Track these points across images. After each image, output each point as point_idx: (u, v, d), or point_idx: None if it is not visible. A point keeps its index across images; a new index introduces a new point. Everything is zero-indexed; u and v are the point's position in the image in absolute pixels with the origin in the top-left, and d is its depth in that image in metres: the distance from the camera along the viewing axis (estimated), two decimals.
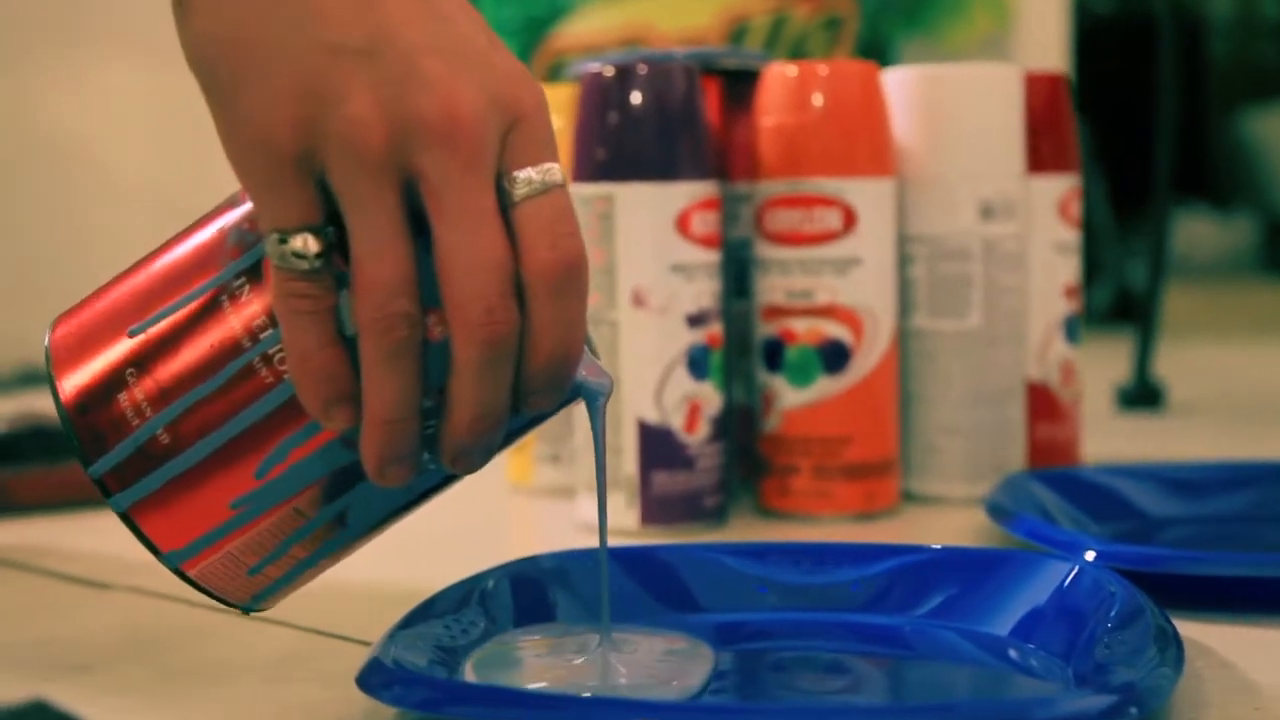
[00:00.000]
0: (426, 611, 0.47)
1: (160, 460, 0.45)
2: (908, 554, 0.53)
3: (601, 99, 0.69)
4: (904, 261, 0.74)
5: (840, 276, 0.71)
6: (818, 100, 0.71)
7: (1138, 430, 1.00)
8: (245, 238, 0.45)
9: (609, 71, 0.69)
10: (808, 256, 0.71)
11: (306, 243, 0.42)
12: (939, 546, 0.53)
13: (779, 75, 0.72)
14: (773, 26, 1.60)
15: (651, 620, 0.51)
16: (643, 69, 0.69)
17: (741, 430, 0.76)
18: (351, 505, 0.46)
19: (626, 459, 0.69)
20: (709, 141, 0.70)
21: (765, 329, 0.72)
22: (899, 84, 0.74)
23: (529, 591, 0.52)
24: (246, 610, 0.48)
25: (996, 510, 0.63)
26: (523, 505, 0.78)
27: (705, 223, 0.69)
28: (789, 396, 0.72)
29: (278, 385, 0.44)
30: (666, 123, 0.69)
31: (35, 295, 1.65)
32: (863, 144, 0.71)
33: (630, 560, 0.54)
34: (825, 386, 0.71)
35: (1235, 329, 1.87)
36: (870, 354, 0.71)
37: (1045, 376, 0.79)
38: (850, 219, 0.70)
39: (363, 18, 0.42)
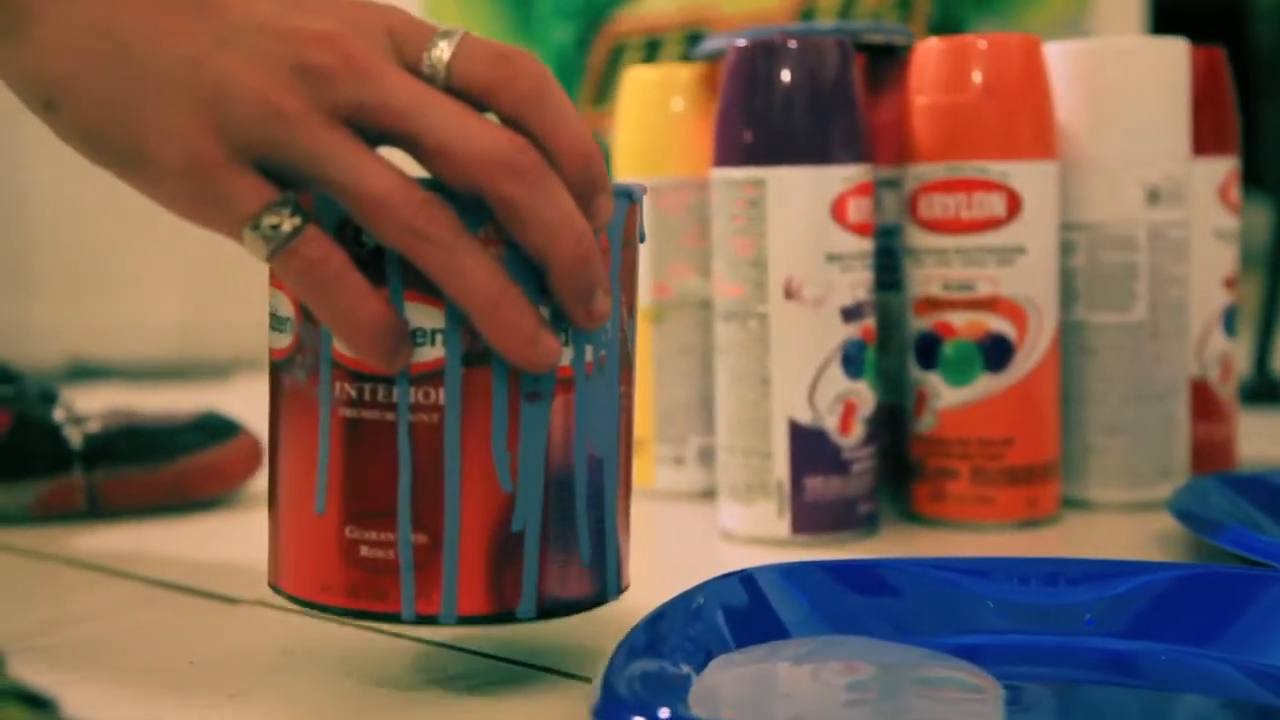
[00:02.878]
0: (648, 635, 0.43)
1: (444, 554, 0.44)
2: (1149, 572, 0.48)
3: (748, 77, 0.64)
4: (1063, 250, 0.69)
5: (1004, 266, 0.66)
6: (977, 77, 0.66)
7: (1257, 427, 0.95)
8: (299, 363, 0.45)
9: (756, 48, 0.64)
10: (968, 245, 0.66)
11: (279, 215, 0.42)
12: (1183, 564, 0.49)
13: (934, 51, 0.67)
14: (842, 7, 1.54)
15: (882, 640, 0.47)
16: (793, 44, 0.64)
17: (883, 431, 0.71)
18: (583, 432, 0.45)
19: (777, 462, 0.64)
20: (863, 121, 0.65)
21: (919, 323, 0.68)
22: (1056, 59, 0.69)
23: (747, 610, 0.47)
24: (617, 595, 0.47)
25: (1190, 518, 0.59)
26: (650, 510, 0.73)
27: (860, 209, 0.65)
28: (946, 395, 0.67)
29: (446, 416, 0.43)
30: (820, 101, 0.64)
31: (77, 286, 1.60)
32: (1027, 124, 0.66)
33: (848, 576, 0.49)
34: (986, 384, 0.66)
35: None
36: (1034, 349, 0.66)
37: (1204, 372, 0.74)
38: (1015, 204, 0.66)
39: (205, 17, 0.43)
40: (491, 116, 0.44)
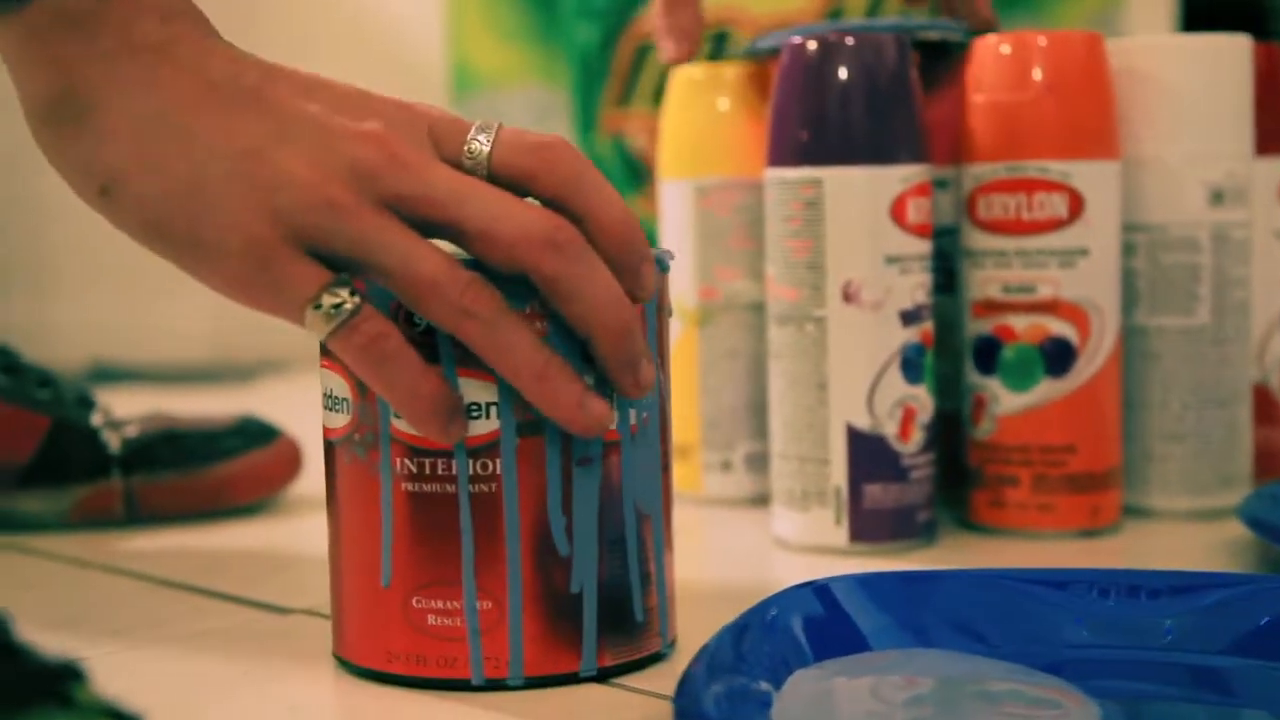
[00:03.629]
0: (729, 650, 0.41)
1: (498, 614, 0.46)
2: (1233, 585, 0.46)
3: (804, 75, 0.63)
4: (1123, 252, 0.68)
5: (1066, 268, 0.64)
6: (1038, 75, 0.64)
7: None
8: (358, 440, 0.46)
9: (812, 45, 0.63)
10: (1029, 246, 0.64)
11: (339, 294, 0.43)
12: (1268, 576, 0.47)
13: (993, 48, 0.66)
14: (870, 6, 1.53)
15: (959, 654, 0.45)
16: (850, 40, 0.63)
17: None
18: (630, 491, 0.47)
19: (835, 469, 0.63)
20: (922, 119, 0.64)
21: (977, 326, 0.66)
22: (1116, 56, 0.68)
23: (826, 622, 0.46)
24: (670, 648, 0.49)
25: (1262, 526, 0.57)
26: (699, 517, 0.72)
27: (919, 209, 0.63)
28: (1006, 400, 0.65)
29: (504, 485, 0.45)
30: (878, 99, 0.62)
31: (99, 289, 1.59)
32: (1090, 122, 0.64)
33: (924, 586, 0.48)
34: (1048, 389, 0.65)
35: None
36: (1096, 354, 0.65)
37: (1265, 377, 0.72)
38: (1077, 205, 0.64)
39: (262, 115, 0.44)
40: (533, 201, 0.45)
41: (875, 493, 0.63)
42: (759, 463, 0.74)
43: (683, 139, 0.75)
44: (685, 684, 0.39)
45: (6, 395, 0.70)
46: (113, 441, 0.72)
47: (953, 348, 0.69)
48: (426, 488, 0.46)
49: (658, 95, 1.50)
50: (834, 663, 0.45)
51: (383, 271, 0.43)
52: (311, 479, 0.83)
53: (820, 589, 0.48)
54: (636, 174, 1.48)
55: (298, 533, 0.71)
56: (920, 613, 0.47)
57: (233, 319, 1.58)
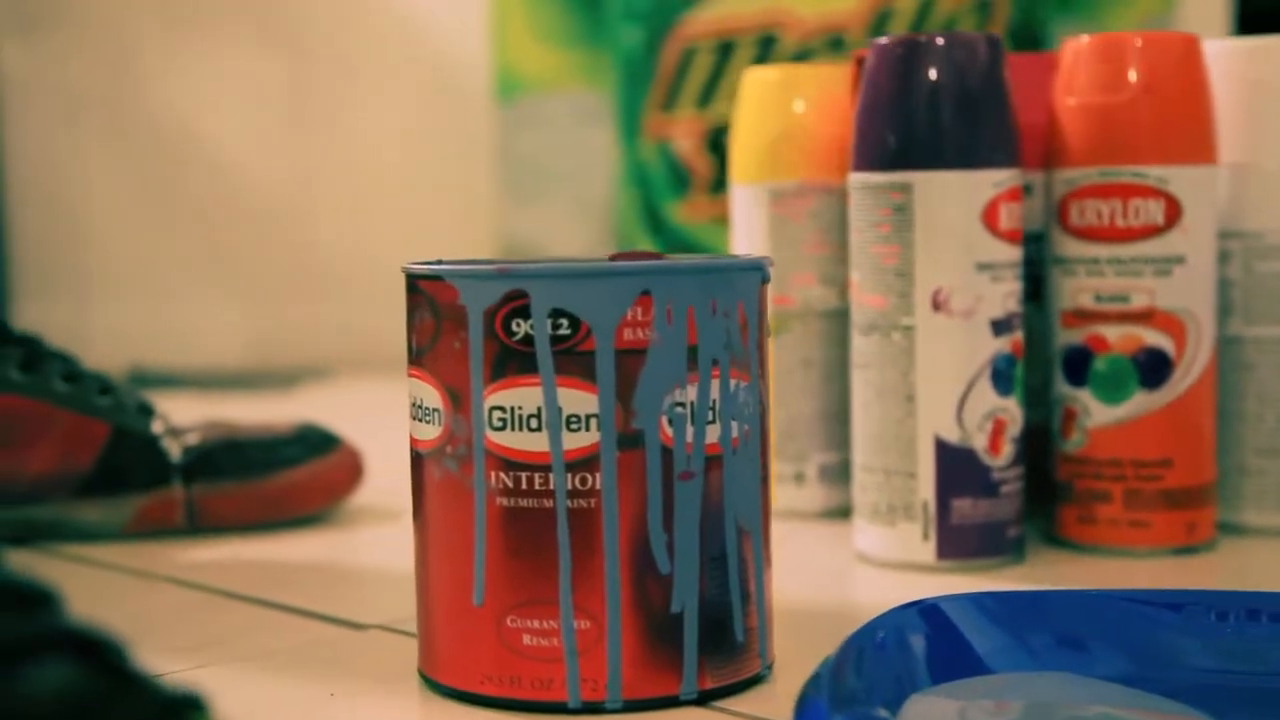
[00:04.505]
0: (846, 674, 0.39)
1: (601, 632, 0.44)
2: None
3: (893, 76, 0.61)
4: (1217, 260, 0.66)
5: (1161, 277, 0.62)
6: (1133, 76, 0.62)
7: None
8: (450, 453, 0.45)
9: (901, 45, 0.61)
10: (1123, 254, 0.62)
11: None
12: None
13: (1085, 49, 0.64)
14: (919, 11, 1.51)
15: (1077, 677, 0.43)
16: (941, 41, 0.61)
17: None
18: (731, 507, 0.45)
19: (922, 483, 0.61)
20: (1015, 122, 0.62)
21: (1067, 336, 0.64)
22: (1212, 58, 0.66)
23: (940, 644, 0.44)
24: (768, 670, 0.48)
25: None
26: (774, 532, 0.70)
27: (1011, 215, 0.61)
28: (1098, 413, 0.63)
29: (603, 500, 0.44)
30: (971, 102, 0.60)
31: (137, 294, 1.58)
32: (1187, 125, 0.62)
33: (1026, 606, 0.46)
34: (1142, 402, 0.62)
35: None
36: (1193, 365, 0.63)
37: None
38: (1174, 211, 0.62)
39: None
40: None
41: (964, 507, 0.61)
42: (833, 475, 0.72)
43: (756, 142, 0.73)
44: (807, 712, 0.37)
45: (67, 402, 0.69)
46: (173, 450, 0.70)
47: (1041, 358, 0.67)
48: (522, 503, 0.44)
49: (703, 99, 1.49)
50: (952, 686, 0.43)
51: None
52: (372, 488, 0.81)
53: (928, 609, 0.46)
54: (681, 179, 1.46)
55: (361, 543, 0.69)
56: (1035, 634, 0.45)
57: (271, 325, 1.57)
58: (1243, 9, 1.60)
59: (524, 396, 0.44)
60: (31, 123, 1.54)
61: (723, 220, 1.41)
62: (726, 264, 0.45)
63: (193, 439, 0.71)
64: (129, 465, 0.69)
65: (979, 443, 0.61)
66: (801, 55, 1.47)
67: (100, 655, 0.27)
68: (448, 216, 1.59)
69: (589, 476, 0.44)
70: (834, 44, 1.47)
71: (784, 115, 0.73)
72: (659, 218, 1.45)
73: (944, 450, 0.61)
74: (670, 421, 0.44)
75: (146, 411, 0.71)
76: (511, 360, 0.43)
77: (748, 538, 0.46)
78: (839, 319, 0.72)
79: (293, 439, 0.73)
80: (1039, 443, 0.67)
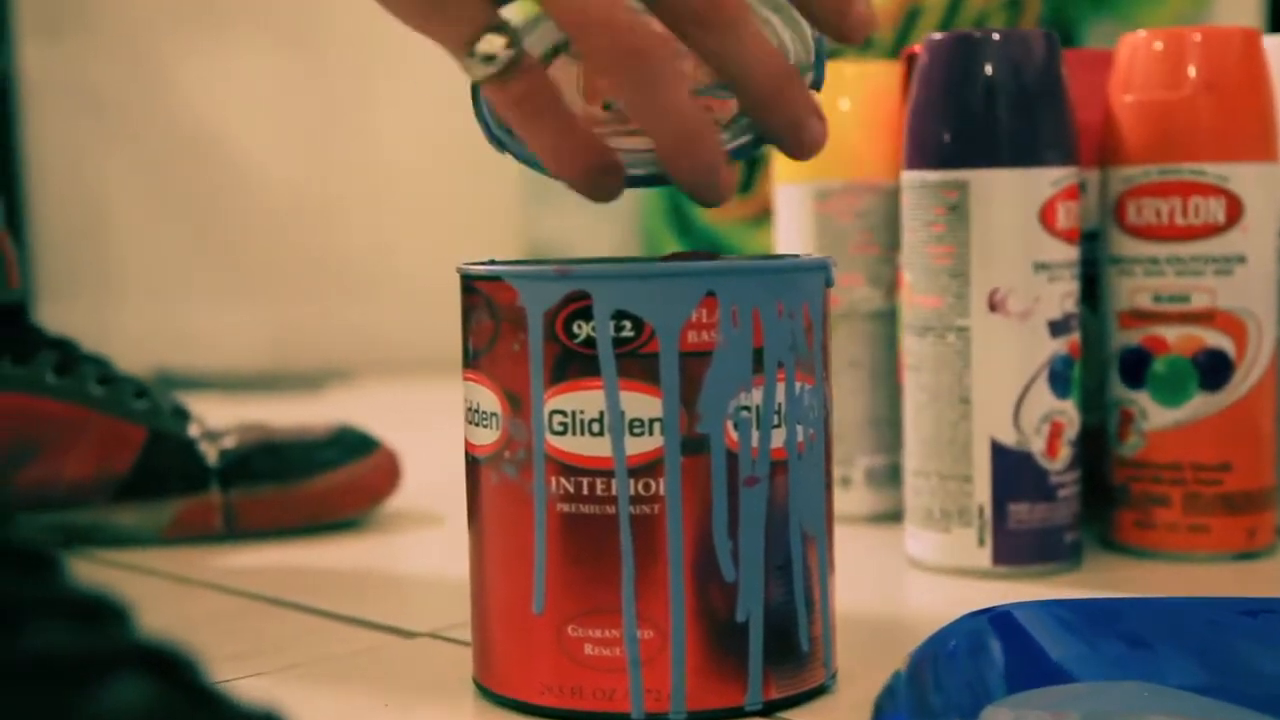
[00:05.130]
0: (924, 688, 0.38)
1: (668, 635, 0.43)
2: None
3: (948, 72, 0.60)
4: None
5: (1222, 276, 0.61)
6: (1193, 72, 0.61)
7: None
8: (509, 458, 0.44)
9: (957, 41, 0.60)
10: (1183, 253, 0.61)
11: (491, 42, 0.43)
12: None
13: (1142, 44, 0.62)
14: (948, 8, 1.50)
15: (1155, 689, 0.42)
16: (997, 36, 0.59)
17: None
18: (796, 513, 0.44)
19: (978, 487, 0.60)
20: (1073, 119, 0.60)
21: (1124, 337, 0.63)
22: (1272, 53, 0.64)
23: (1015, 653, 0.43)
24: (833, 680, 0.47)
25: None
26: None
27: (1069, 214, 0.60)
28: (1156, 416, 0.62)
29: (667, 506, 0.43)
30: (1028, 98, 0.59)
31: (162, 295, 1.57)
32: (1248, 122, 0.61)
33: (1100, 614, 0.44)
34: (1202, 404, 0.61)
35: None
36: (1254, 367, 0.61)
37: None
38: (1235, 210, 0.61)
39: None
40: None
41: (1021, 512, 0.60)
42: (880, 478, 0.71)
43: None
44: None
45: (103, 406, 0.68)
46: (210, 454, 0.69)
47: (1097, 360, 0.66)
48: (583, 509, 0.43)
49: None
50: (1027, 696, 0.41)
51: (547, 3, 0.42)
52: (408, 491, 0.80)
53: (999, 617, 0.44)
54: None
55: (401, 548, 0.68)
56: (1109, 642, 0.44)
57: (293, 327, 1.56)
58: (1276, 6, 1.58)
59: (585, 400, 0.42)
60: (54, 125, 1.53)
61: (750, 220, 1.40)
62: (792, 265, 0.44)
63: (229, 442, 0.70)
64: (166, 469, 0.68)
65: (1036, 446, 0.59)
66: (829, 54, 1.46)
67: (175, 671, 0.26)
68: (471, 218, 1.58)
69: (652, 482, 0.42)
70: (863, 42, 1.45)
71: (830, 114, 0.71)
72: (685, 218, 1.43)
73: (1000, 454, 0.59)
74: (735, 426, 0.43)
75: (182, 415, 0.70)
76: (572, 363, 0.42)
77: (812, 544, 0.45)
78: (886, 320, 0.71)
79: (330, 441, 0.72)
80: (1093, 446, 0.65)
